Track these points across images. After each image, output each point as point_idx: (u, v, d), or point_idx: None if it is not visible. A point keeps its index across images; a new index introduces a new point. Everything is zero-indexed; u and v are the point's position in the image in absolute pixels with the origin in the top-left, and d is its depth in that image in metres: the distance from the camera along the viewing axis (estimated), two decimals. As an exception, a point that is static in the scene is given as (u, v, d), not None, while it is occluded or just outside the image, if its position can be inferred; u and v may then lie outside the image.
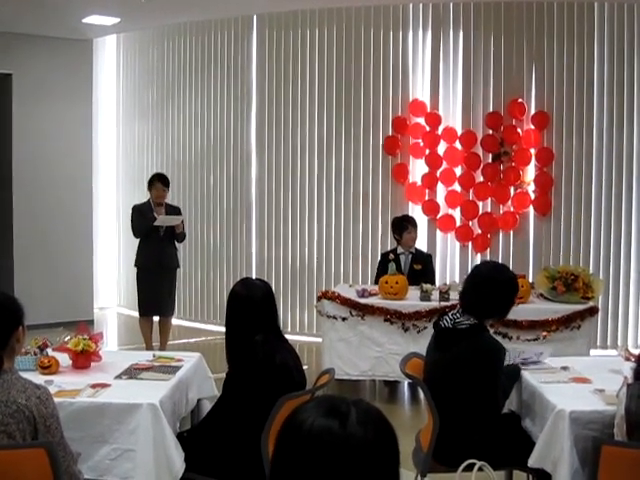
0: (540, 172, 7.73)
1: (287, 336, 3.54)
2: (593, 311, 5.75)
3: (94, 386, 3.42)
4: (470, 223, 7.91)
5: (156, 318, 7.05)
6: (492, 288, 3.50)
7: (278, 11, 8.28)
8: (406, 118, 8.03)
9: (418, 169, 8.07)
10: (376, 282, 6.31)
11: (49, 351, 3.84)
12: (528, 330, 5.52)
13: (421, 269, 6.51)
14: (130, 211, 7.04)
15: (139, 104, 9.52)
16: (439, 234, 8.03)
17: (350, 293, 6.03)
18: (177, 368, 3.81)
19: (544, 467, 3.23)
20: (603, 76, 7.57)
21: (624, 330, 7.64)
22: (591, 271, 6.76)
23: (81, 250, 9.02)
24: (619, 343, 7.35)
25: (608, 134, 7.60)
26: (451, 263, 8.03)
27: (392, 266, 6.10)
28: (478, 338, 3.47)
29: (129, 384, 3.54)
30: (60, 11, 7.70)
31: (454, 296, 5.44)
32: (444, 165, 7.92)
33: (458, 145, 7.87)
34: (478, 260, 7.74)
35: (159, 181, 6.87)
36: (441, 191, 7.99)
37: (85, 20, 8.13)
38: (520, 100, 7.71)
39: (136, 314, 7.22)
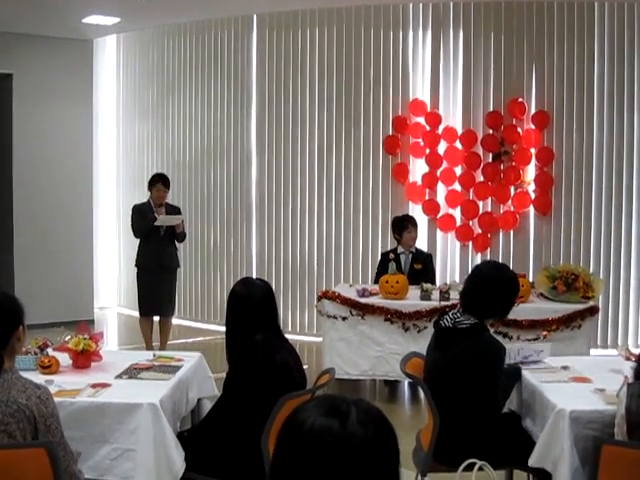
0: (540, 172, 7.73)
1: (287, 336, 3.54)
2: (593, 311, 5.75)
3: (94, 386, 3.42)
4: (470, 223, 7.91)
5: (156, 318, 7.05)
6: (493, 288, 3.50)
7: (278, 11, 8.28)
8: (406, 118, 8.03)
9: (418, 169, 8.07)
10: (376, 282, 6.31)
11: (49, 351, 3.84)
12: (528, 330, 5.52)
13: (421, 269, 6.51)
14: (130, 211, 7.05)
15: (139, 104, 9.52)
16: (439, 234, 8.03)
17: (350, 293, 6.03)
18: (177, 368, 3.81)
19: (544, 467, 3.23)
20: (603, 75, 7.57)
21: (624, 330, 7.64)
22: (591, 271, 6.77)
23: (81, 250, 9.02)
24: (619, 343, 7.35)
25: (608, 133, 7.60)
26: (451, 263, 8.03)
27: (392, 266, 6.10)
28: (478, 338, 3.47)
29: (129, 384, 3.54)
30: (60, 11, 7.70)
31: (454, 296, 5.44)
32: (444, 165, 7.92)
33: (458, 145, 7.87)
34: (478, 260, 7.74)
35: (160, 182, 6.86)
36: (441, 191, 7.99)
37: (85, 20, 8.13)
38: (520, 100, 7.71)
39: (136, 314, 7.23)
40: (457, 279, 7.27)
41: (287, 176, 8.51)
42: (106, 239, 9.83)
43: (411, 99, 8.02)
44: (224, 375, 3.45)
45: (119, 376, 3.64)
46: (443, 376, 3.49)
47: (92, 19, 8.12)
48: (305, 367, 3.55)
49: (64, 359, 3.76)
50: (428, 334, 3.94)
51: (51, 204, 8.75)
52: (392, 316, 5.74)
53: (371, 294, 6.01)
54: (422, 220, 7.73)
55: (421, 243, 7.31)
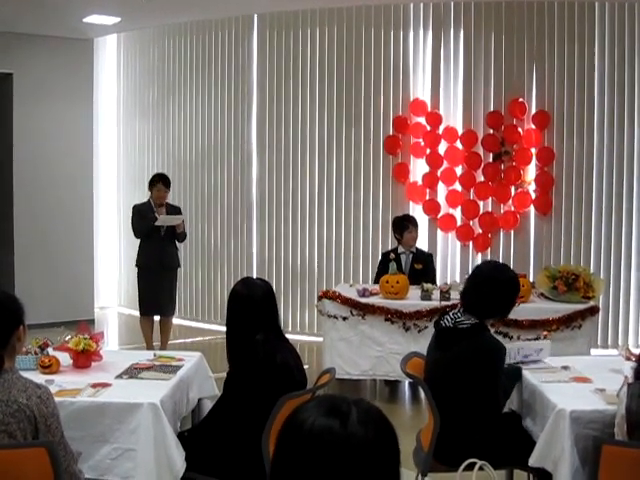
0: (541, 172, 7.72)
1: (288, 335, 3.54)
2: (594, 311, 5.75)
3: (95, 385, 3.43)
4: (471, 222, 7.91)
5: (157, 318, 7.05)
6: (493, 288, 3.50)
7: (279, 10, 8.28)
8: (407, 117, 8.03)
9: (419, 169, 8.07)
10: (376, 281, 6.31)
11: (50, 350, 3.84)
12: (529, 329, 5.52)
13: (422, 268, 6.51)
14: (130, 211, 7.05)
15: (140, 104, 9.52)
16: (440, 234, 8.03)
17: (351, 293, 6.03)
18: (178, 368, 3.81)
19: (545, 466, 3.23)
20: (604, 75, 7.57)
21: (625, 330, 7.64)
22: (592, 271, 6.76)
23: (82, 249, 9.02)
24: (620, 343, 7.35)
25: (609, 133, 7.60)
26: (452, 263, 8.02)
27: (393, 265, 6.10)
28: (479, 338, 3.47)
29: (130, 383, 3.54)
30: (60, 11, 7.70)
31: (455, 295, 5.44)
32: (445, 165, 7.91)
33: (459, 144, 7.87)
34: (479, 260, 7.74)
35: (161, 182, 6.87)
36: (442, 191, 7.99)
37: (85, 20, 8.13)
38: (521, 99, 7.71)
39: (137, 313, 7.23)
40: (457, 279, 7.27)
41: (287, 176, 8.51)
42: (106, 239, 9.83)
43: (411, 99, 8.02)
44: (224, 375, 3.45)
45: (119, 376, 3.64)
46: (443, 376, 3.49)
47: (92, 19, 8.12)
48: (305, 367, 3.55)
49: (64, 359, 3.76)
50: (428, 334, 3.94)
51: (51, 204, 8.75)
52: (392, 316, 5.74)
53: (371, 294, 6.01)
54: (422, 220, 7.73)
55: (421, 243, 7.30)
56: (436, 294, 5.79)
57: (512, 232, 7.85)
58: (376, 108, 8.13)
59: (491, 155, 7.80)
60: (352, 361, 5.83)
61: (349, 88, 8.18)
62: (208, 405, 3.87)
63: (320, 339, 6.52)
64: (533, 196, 7.76)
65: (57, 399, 2.75)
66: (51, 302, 8.41)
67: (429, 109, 7.95)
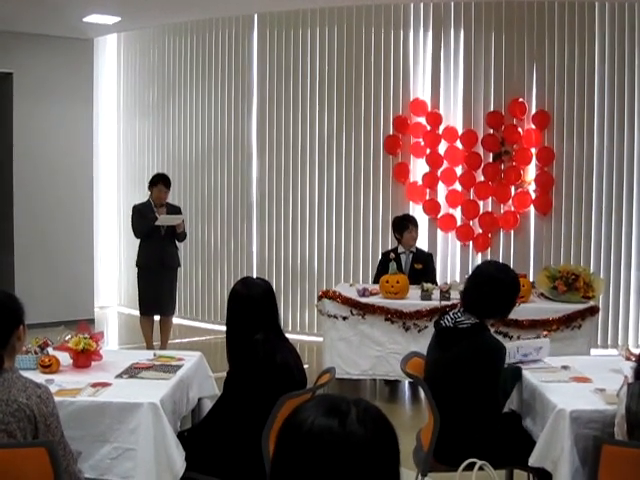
0: (541, 172, 7.72)
1: (288, 335, 3.54)
2: (594, 310, 5.74)
3: (95, 385, 3.42)
4: (471, 222, 7.91)
5: (157, 317, 7.05)
6: (494, 288, 3.50)
7: (279, 10, 8.28)
8: (407, 117, 8.03)
9: (419, 168, 8.07)
10: (375, 281, 6.32)
11: (50, 350, 3.84)
12: (529, 329, 5.52)
13: (422, 268, 6.51)
14: (130, 211, 7.05)
15: (140, 103, 9.52)
16: (440, 233, 8.03)
17: (351, 292, 6.03)
18: (178, 367, 3.81)
19: (545, 466, 3.23)
20: (604, 75, 7.57)
21: (624, 329, 7.64)
22: (592, 270, 6.75)
23: (82, 249, 9.02)
24: (619, 342, 7.35)
25: (609, 133, 7.60)
26: (452, 262, 8.02)
27: (393, 265, 6.10)
28: (479, 337, 3.47)
29: (130, 383, 3.54)
30: (60, 10, 7.70)
31: (455, 295, 5.44)
32: (445, 164, 7.92)
33: (459, 144, 7.87)
34: (479, 260, 7.74)
35: (161, 182, 6.87)
36: (442, 190, 7.99)
37: (85, 19, 8.13)
38: (521, 99, 7.71)
39: (137, 313, 7.23)
40: (457, 279, 7.27)
41: (287, 176, 8.51)
42: (106, 238, 9.83)
43: (412, 99, 8.02)
44: (224, 374, 3.45)
45: (119, 375, 3.64)
46: (443, 376, 3.49)
47: (92, 18, 8.12)
48: (305, 367, 3.55)
49: (64, 358, 3.76)
50: (428, 334, 3.94)
51: (51, 203, 8.75)
52: (392, 316, 5.74)
53: (371, 294, 6.01)
54: (423, 220, 7.73)
55: (421, 243, 7.30)
56: (436, 294, 5.79)
57: (512, 232, 7.85)
58: (376, 108, 8.13)
59: (491, 155, 7.80)
60: (352, 361, 5.83)
61: (349, 88, 8.18)
62: (208, 405, 3.87)
63: (320, 339, 6.52)
64: (533, 196, 7.76)
65: (57, 399, 2.75)
66: (51, 302, 8.41)
67: (429, 109, 7.95)
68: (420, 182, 8.01)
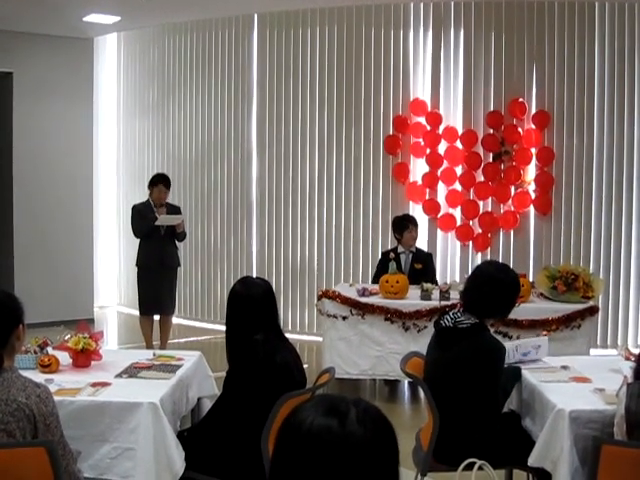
0: (541, 171, 7.72)
1: (287, 335, 3.54)
2: (593, 310, 5.75)
3: (94, 385, 3.42)
4: (471, 222, 7.91)
5: (156, 317, 7.05)
6: (494, 288, 3.50)
7: (279, 10, 8.28)
8: (407, 117, 8.03)
9: (419, 168, 8.07)
10: (375, 281, 6.32)
11: (49, 350, 3.84)
12: (528, 329, 5.51)
13: (421, 268, 6.51)
14: (130, 210, 7.05)
15: (140, 103, 9.52)
16: (440, 233, 8.03)
17: (350, 292, 6.03)
18: (177, 367, 3.81)
19: (544, 466, 3.23)
20: (603, 75, 7.57)
21: (624, 329, 7.64)
22: (591, 270, 6.77)
23: (81, 249, 9.02)
24: (619, 342, 7.36)
25: (609, 133, 7.60)
26: (451, 262, 8.02)
27: (392, 265, 6.10)
28: (479, 337, 3.47)
29: (129, 383, 3.54)
30: (60, 10, 7.70)
31: (454, 295, 5.45)
32: (445, 164, 7.91)
33: (459, 144, 7.87)
34: (479, 259, 7.74)
35: (162, 182, 6.87)
36: (442, 190, 7.99)
37: (85, 19, 8.12)
38: (521, 99, 7.71)
39: (136, 313, 7.23)
40: (457, 279, 7.27)
41: (287, 175, 8.51)
42: (106, 238, 9.83)
43: (411, 99, 8.02)
44: (224, 374, 3.45)
45: (119, 375, 3.64)
46: (443, 376, 3.49)
47: (92, 17, 8.12)
48: (305, 366, 3.55)
49: (64, 358, 3.76)
50: (428, 334, 3.94)
51: (51, 203, 8.75)
52: (392, 316, 5.74)
53: (371, 293, 6.01)
54: (422, 220, 7.73)
55: (421, 243, 7.31)
56: (436, 294, 5.79)
57: (512, 232, 7.85)
58: (376, 108, 8.14)
59: (491, 155, 7.80)
60: (352, 361, 5.83)
61: (349, 87, 8.18)
62: (208, 404, 3.87)
63: (320, 339, 6.52)
64: (533, 196, 7.76)
65: (56, 398, 2.75)
66: (51, 301, 8.41)
67: (429, 109, 7.95)
68: (420, 182, 8.01)
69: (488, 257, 7.79)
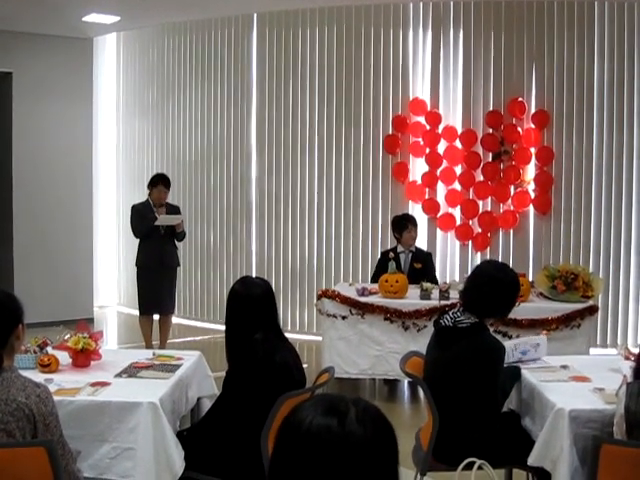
0: (540, 171, 7.73)
1: (287, 334, 3.54)
2: (593, 310, 5.75)
3: (94, 384, 3.42)
4: (470, 222, 7.91)
5: (156, 316, 7.06)
6: (494, 287, 3.49)
7: (278, 10, 8.28)
8: (406, 117, 8.03)
9: (418, 168, 8.07)
10: (374, 281, 6.32)
11: (49, 349, 3.84)
12: (528, 329, 5.51)
13: (421, 268, 6.51)
14: (130, 210, 7.05)
15: (139, 103, 9.52)
16: (439, 233, 8.03)
17: (350, 292, 6.03)
18: (177, 366, 3.81)
19: (544, 466, 3.23)
20: (603, 75, 7.57)
21: (624, 329, 7.64)
22: (591, 270, 6.77)
23: (81, 249, 9.02)
24: (619, 342, 7.36)
25: (608, 133, 7.60)
26: (451, 262, 8.03)
27: (392, 265, 6.10)
28: (478, 337, 3.47)
29: (129, 382, 3.54)
30: (60, 9, 7.70)
31: (454, 295, 5.45)
32: (444, 164, 7.92)
33: (458, 144, 7.87)
34: (478, 259, 7.74)
35: (162, 183, 6.87)
36: (441, 190, 8.00)
37: (85, 18, 8.13)
38: (520, 99, 7.71)
39: (136, 312, 7.23)
40: (457, 278, 7.27)
41: (287, 175, 8.51)
42: (106, 238, 9.83)
43: (411, 98, 8.02)
44: (224, 374, 3.45)
45: (119, 375, 3.64)
46: (443, 375, 3.49)
47: (92, 17, 8.12)
48: (305, 366, 3.55)
49: (64, 358, 3.76)
50: (428, 333, 3.94)
51: (51, 203, 8.75)
52: (392, 315, 5.74)
53: (371, 293, 6.01)
54: (422, 219, 7.74)
55: (421, 242, 7.31)
56: (435, 293, 5.80)
57: (511, 231, 7.85)
58: (375, 107, 8.14)
59: (490, 154, 7.80)
60: (351, 360, 5.84)
61: (348, 87, 8.18)
62: (207, 404, 3.87)
63: (319, 338, 6.52)
64: (532, 195, 7.76)
65: (56, 398, 2.75)
66: (50, 301, 8.41)
67: (428, 108, 7.95)
68: (419, 181, 8.02)
69: (488, 257, 7.79)
